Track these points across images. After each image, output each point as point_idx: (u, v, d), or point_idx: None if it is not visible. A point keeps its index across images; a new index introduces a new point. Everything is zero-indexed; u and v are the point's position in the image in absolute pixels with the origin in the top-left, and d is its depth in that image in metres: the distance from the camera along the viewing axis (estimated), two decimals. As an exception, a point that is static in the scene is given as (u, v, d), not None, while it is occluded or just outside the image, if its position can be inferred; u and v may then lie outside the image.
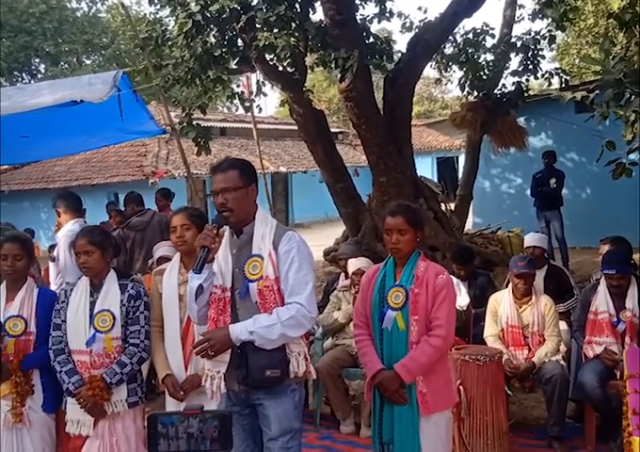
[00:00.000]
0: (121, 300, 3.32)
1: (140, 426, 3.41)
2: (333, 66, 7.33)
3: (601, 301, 4.34)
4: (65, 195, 5.43)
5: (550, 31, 8.99)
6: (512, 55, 8.86)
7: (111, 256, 3.45)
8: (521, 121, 10.63)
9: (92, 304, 3.31)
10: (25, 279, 3.53)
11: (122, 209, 7.97)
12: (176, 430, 1.64)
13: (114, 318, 3.28)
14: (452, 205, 9.39)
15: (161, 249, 4.97)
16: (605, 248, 5.14)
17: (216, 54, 7.08)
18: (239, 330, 2.61)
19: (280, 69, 7.55)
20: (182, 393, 3.24)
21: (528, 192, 9.77)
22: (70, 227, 5.05)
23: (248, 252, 2.74)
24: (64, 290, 3.46)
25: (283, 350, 2.69)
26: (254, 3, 7.04)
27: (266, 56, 7.23)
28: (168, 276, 3.38)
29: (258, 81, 8.11)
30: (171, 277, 3.37)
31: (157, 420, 1.65)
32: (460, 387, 3.98)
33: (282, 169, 20.24)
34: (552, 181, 9.14)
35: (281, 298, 2.69)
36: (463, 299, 5.06)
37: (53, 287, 4.61)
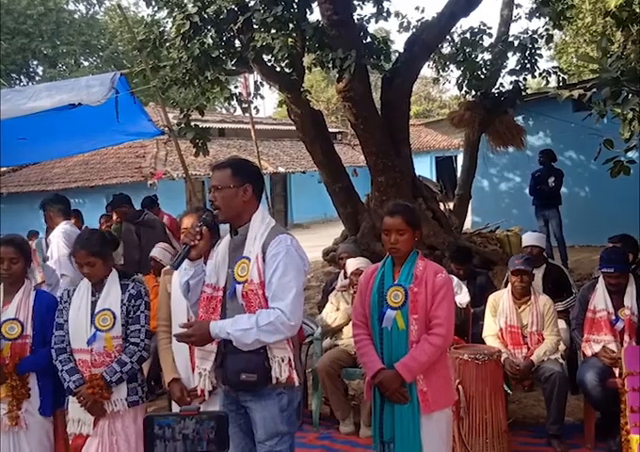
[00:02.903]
0: (122, 300, 3.35)
1: (141, 425, 3.38)
2: (331, 66, 7.34)
3: (600, 300, 4.34)
4: (56, 199, 5.52)
5: (547, 30, 9.02)
6: (509, 54, 8.87)
7: (112, 260, 3.48)
8: (519, 119, 10.63)
9: (94, 304, 3.34)
10: (23, 282, 3.53)
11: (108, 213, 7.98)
12: (172, 432, 1.64)
13: (114, 317, 3.30)
14: (450, 205, 9.40)
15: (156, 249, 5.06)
16: None
17: (213, 55, 7.09)
18: (218, 329, 2.58)
19: (278, 69, 7.56)
20: (188, 399, 3.21)
21: (527, 191, 9.75)
22: (62, 227, 5.23)
23: (240, 254, 2.72)
24: (66, 290, 3.49)
25: (263, 355, 2.63)
26: (251, 4, 7.06)
27: (264, 56, 7.25)
28: (178, 276, 3.36)
29: (256, 82, 8.11)
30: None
31: (153, 421, 1.65)
32: (459, 386, 3.98)
33: (281, 170, 20.23)
34: (551, 179, 9.11)
35: (266, 303, 2.64)
36: (464, 297, 5.05)
37: (45, 287, 4.62)
